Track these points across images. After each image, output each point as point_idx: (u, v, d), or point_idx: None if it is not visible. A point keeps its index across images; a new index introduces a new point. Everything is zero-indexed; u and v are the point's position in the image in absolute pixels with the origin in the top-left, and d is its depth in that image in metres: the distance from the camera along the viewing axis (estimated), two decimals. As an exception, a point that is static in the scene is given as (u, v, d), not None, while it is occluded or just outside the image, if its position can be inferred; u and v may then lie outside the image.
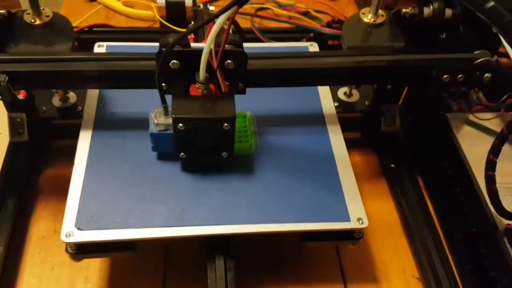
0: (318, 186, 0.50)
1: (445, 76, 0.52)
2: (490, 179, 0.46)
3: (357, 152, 0.66)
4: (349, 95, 0.64)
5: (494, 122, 0.60)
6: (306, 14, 0.82)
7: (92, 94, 0.58)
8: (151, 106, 0.57)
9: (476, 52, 0.53)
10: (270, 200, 0.49)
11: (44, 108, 0.60)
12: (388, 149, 0.64)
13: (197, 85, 0.46)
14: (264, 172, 0.52)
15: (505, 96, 0.60)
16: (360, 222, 0.48)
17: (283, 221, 0.47)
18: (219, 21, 0.41)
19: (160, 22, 0.76)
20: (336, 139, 0.55)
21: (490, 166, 0.46)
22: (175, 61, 0.45)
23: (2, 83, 0.47)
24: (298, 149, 0.54)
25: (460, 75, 0.52)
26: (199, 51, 0.44)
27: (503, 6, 0.51)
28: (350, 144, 0.56)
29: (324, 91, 0.61)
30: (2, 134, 0.64)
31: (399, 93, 0.63)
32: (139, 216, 0.47)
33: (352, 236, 0.49)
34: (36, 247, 0.55)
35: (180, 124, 0.46)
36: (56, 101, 0.60)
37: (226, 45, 0.44)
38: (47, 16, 0.55)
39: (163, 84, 0.47)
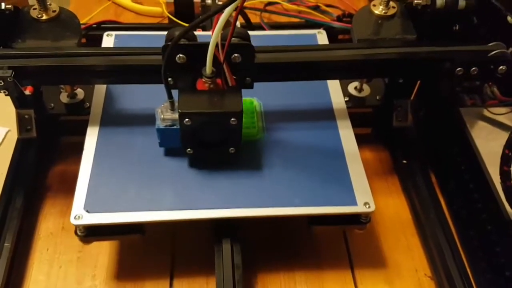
0: (325, 171, 0.50)
1: (458, 69, 0.51)
2: (506, 175, 0.45)
3: (368, 148, 0.65)
4: (360, 90, 0.63)
5: (508, 117, 0.58)
6: (315, 8, 0.81)
7: (100, 90, 0.58)
8: (158, 102, 0.56)
9: (490, 44, 0.52)
10: (277, 184, 0.49)
11: (52, 104, 0.60)
12: (400, 145, 0.63)
13: (203, 80, 0.46)
14: (271, 158, 0.52)
15: (520, 90, 0.59)
16: (367, 206, 0.48)
17: (290, 204, 0.47)
18: (225, 12, 0.40)
19: (169, 18, 0.76)
20: (346, 134, 0.54)
21: (506, 161, 0.44)
22: (181, 55, 0.45)
23: (8, 78, 0.47)
24: (307, 143, 0.53)
25: (474, 68, 0.51)
26: (206, 45, 0.43)
27: (503, 6, 0.51)
28: (361, 140, 0.55)
29: (334, 86, 0.60)
30: (11, 131, 0.64)
31: (411, 87, 0.62)
32: (147, 200, 0.47)
33: (359, 220, 0.49)
34: (44, 244, 0.54)
35: (187, 119, 0.46)
36: (64, 98, 0.60)
37: (233, 38, 0.44)
38: (54, 11, 0.55)
39: (169, 78, 0.46)
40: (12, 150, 0.58)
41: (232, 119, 0.46)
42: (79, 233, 0.47)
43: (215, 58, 0.44)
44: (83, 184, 0.48)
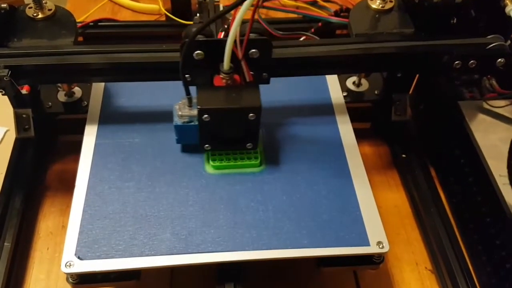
0: (334, 205, 0.47)
1: (456, 62, 0.51)
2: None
3: (368, 142, 0.65)
4: (358, 84, 0.63)
5: (507, 110, 0.58)
6: (313, 3, 0.81)
7: (98, 88, 0.58)
8: (156, 99, 0.57)
9: (488, 37, 0.51)
10: (282, 220, 0.46)
11: (50, 103, 0.59)
12: (399, 139, 0.63)
13: (221, 76, 0.46)
14: (274, 187, 0.49)
15: (519, 83, 0.58)
16: (381, 246, 0.44)
17: (297, 245, 0.44)
18: (243, 7, 0.40)
19: (166, 15, 0.76)
20: (345, 129, 0.54)
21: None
22: (199, 51, 0.44)
23: (5, 78, 0.47)
24: (307, 144, 0.53)
25: (472, 61, 0.50)
26: (223, 41, 0.43)
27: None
28: (360, 135, 0.55)
29: (332, 81, 0.60)
30: (10, 131, 0.64)
31: (409, 81, 0.62)
32: (143, 243, 0.44)
33: (371, 260, 0.46)
34: (44, 243, 0.55)
35: (206, 115, 0.45)
36: (61, 96, 0.60)
37: (250, 34, 0.43)
38: (50, 10, 0.54)
39: (186, 75, 0.46)
40: (11, 150, 0.58)
41: (251, 114, 0.45)
42: (71, 281, 0.44)
43: (233, 54, 0.44)
44: (74, 225, 0.45)
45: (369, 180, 0.50)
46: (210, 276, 0.47)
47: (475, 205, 0.53)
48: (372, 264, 0.46)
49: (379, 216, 0.46)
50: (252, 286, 0.47)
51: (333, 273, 0.53)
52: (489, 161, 0.52)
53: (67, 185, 0.56)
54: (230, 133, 0.48)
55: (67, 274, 0.44)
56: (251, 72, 0.46)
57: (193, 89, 0.47)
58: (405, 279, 0.53)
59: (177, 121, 0.48)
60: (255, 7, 0.41)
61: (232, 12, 0.41)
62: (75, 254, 0.43)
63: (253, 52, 0.45)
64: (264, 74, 0.47)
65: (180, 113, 0.48)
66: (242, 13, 0.40)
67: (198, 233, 0.45)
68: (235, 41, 0.43)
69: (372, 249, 0.44)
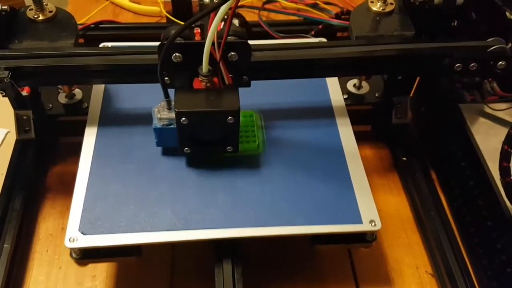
0: (329, 187, 0.49)
1: (457, 64, 0.50)
2: (505, 171, 0.44)
3: (368, 145, 0.65)
4: (359, 87, 0.63)
5: (509, 113, 0.58)
6: (314, 6, 0.81)
7: (98, 90, 0.58)
8: (157, 101, 0.56)
9: (489, 40, 0.51)
10: (279, 200, 0.48)
11: (50, 105, 0.59)
12: (400, 142, 0.63)
13: (200, 78, 0.46)
14: (272, 170, 0.50)
15: (520, 86, 0.58)
16: (373, 224, 0.46)
17: (293, 223, 0.46)
18: (221, 11, 0.40)
19: (167, 17, 0.76)
20: (346, 132, 0.54)
21: (505, 157, 0.44)
22: (177, 54, 0.45)
23: (5, 79, 0.47)
24: (306, 144, 0.53)
25: (472, 64, 0.50)
26: (202, 43, 0.43)
27: (501, 1, 0.50)
28: (361, 138, 0.54)
29: (332, 83, 0.60)
30: (11, 132, 0.64)
31: (410, 84, 0.61)
32: (144, 220, 0.46)
33: (364, 238, 0.48)
34: (44, 245, 0.54)
35: (183, 118, 0.45)
36: (62, 98, 0.60)
37: (229, 37, 0.44)
38: (50, 12, 0.55)
39: (166, 77, 0.46)
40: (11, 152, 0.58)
41: (229, 117, 0.45)
42: (74, 255, 0.46)
43: (212, 56, 0.44)
44: (78, 203, 0.47)
45: (370, 183, 0.50)
46: (209, 256, 0.48)
47: (476, 208, 0.53)
48: (365, 242, 0.48)
49: (372, 197, 0.48)
50: (250, 263, 0.49)
51: (333, 271, 0.53)
52: (490, 164, 0.52)
53: (67, 187, 0.56)
54: (209, 136, 0.48)
55: (71, 249, 0.45)
56: (230, 75, 0.46)
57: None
58: (406, 282, 0.53)
59: (157, 123, 0.49)
60: (233, 10, 0.41)
61: (212, 14, 0.42)
62: (79, 229, 0.45)
63: (232, 55, 0.45)
64: (244, 77, 0.47)
65: (159, 115, 0.48)
66: (220, 16, 0.40)
67: (197, 212, 0.46)
68: (213, 44, 0.43)
69: (365, 226, 0.46)
